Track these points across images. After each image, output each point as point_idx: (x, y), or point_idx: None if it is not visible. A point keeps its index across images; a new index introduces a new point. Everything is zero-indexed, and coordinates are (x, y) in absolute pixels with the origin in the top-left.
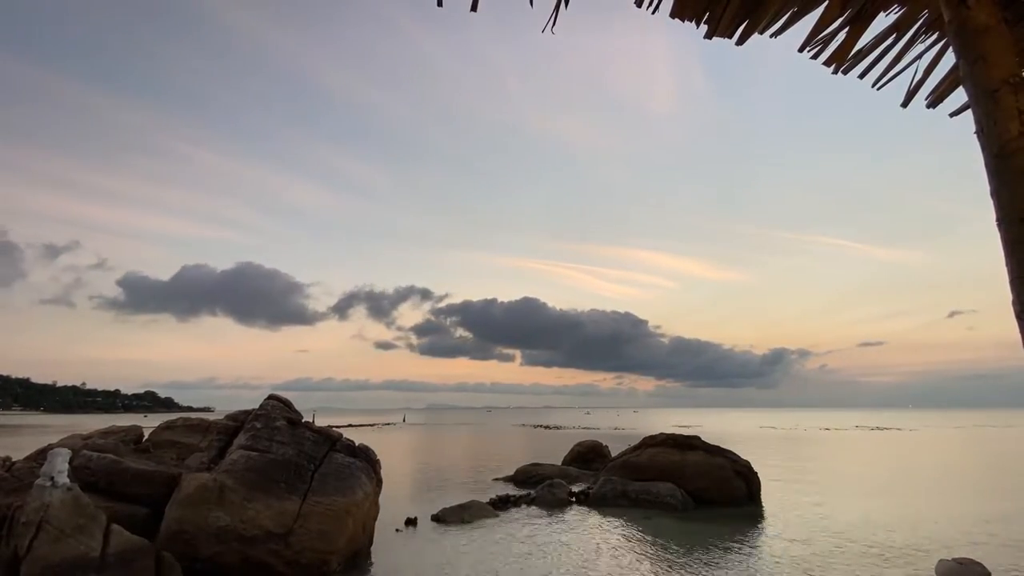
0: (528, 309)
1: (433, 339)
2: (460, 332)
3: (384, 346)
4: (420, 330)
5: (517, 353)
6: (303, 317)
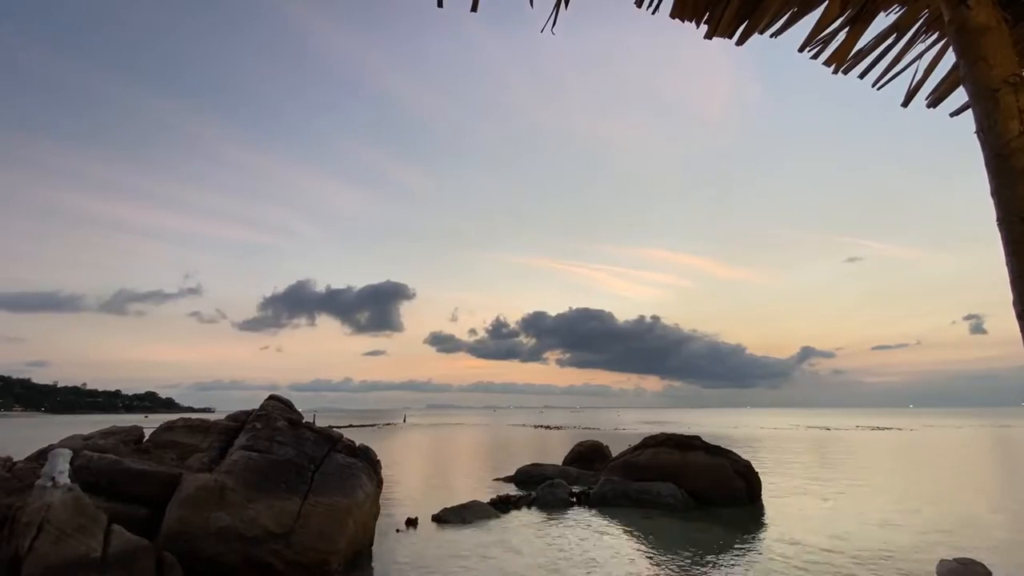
0: (595, 318)
1: (498, 343)
2: (524, 338)
3: (448, 349)
4: (493, 334)
5: (551, 356)
6: (395, 324)
